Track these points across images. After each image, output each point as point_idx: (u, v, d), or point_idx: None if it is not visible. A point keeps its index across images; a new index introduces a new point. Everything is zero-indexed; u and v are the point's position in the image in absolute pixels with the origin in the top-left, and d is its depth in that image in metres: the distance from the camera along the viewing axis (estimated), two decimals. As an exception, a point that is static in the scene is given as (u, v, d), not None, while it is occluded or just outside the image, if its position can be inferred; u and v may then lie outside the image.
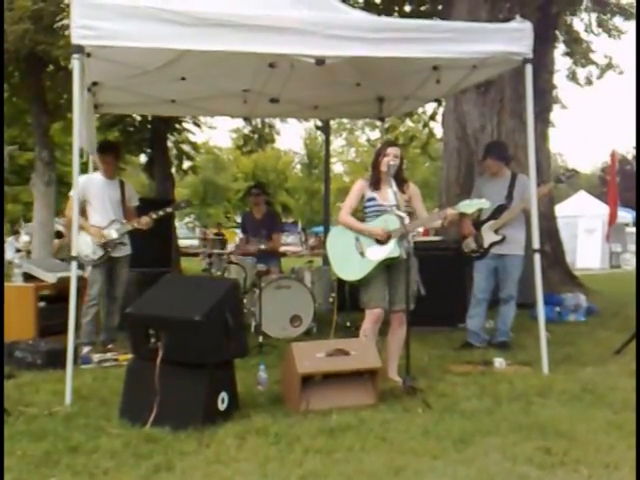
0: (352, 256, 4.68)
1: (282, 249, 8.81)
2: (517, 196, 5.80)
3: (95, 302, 5.79)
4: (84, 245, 5.74)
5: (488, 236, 5.89)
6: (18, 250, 14.63)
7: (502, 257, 5.87)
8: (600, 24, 13.70)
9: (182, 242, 21.20)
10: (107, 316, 5.99)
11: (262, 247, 7.16)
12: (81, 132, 4.56)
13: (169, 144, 17.01)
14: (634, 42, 10.43)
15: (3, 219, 5.42)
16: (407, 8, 13.00)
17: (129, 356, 4.32)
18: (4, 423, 3.56)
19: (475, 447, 3.28)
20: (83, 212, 5.87)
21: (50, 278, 6.35)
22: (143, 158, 18.81)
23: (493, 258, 5.91)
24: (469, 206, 4.94)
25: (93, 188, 5.88)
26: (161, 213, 5.92)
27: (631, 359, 5.30)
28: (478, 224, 5.92)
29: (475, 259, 6.01)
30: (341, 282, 6.23)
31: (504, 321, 5.94)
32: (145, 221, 5.87)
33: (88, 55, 4.41)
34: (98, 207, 5.87)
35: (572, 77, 14.68)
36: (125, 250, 5.97)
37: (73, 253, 4.44)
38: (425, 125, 16.55)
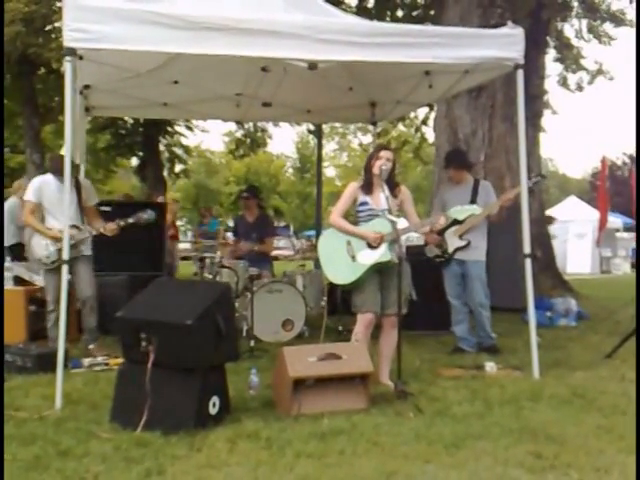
0: (343, 260, 4.67)
1: (274, 253, 8.80)
2: (480, 202, 5.79)
3: (52, 308, 5.58)
4: (38, 248, 5.58)
5: (452, 241, 5.90)
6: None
7: (464, 263, 5.90)
8: (590, 30, 13.80)
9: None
10: (83, 319, 5.79)
11: (255, 248, 7.17)
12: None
13: (161, 147, 17.02)
14: (634, 41, 10.48)
15: (3, 220, 5.34)
16: (399, 13, 13.07)
17: (120, 360, 4.31)
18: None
19: (466, 451, 3.28)
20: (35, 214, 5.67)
21: (41, 282, 6.32)
22: (135, 161, 18.81)
23: (458, 264, 5.93)
24: (461, 212, 4.96)
25: (47, 191, 5.65)
26: (130, 220, 5.66)
27: (621, 363, 5.33)
28: (442, 230, 5.86)
29: (440, 265, 6.02)
30: (333, 286, 6.24)
31: (482, 327, 5.94)
32: (110, 228, 5.62)
33: (80, 58, 4.40)
34: (53, 210, 5.62)
35: (563, 83, 14.78)
36: (82, 251, 5.67)
37: (65, 256, 4.42)
38: (417, 130, 16.61)
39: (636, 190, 8.16)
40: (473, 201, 5.80)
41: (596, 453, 3.22)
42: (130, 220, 5.66)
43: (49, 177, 5.75)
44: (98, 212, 5.86)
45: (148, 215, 5.67)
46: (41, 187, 5.67)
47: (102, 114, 8.81)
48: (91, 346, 5.71)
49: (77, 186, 5.61)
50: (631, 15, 13.08)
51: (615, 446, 3.32)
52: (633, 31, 12.84)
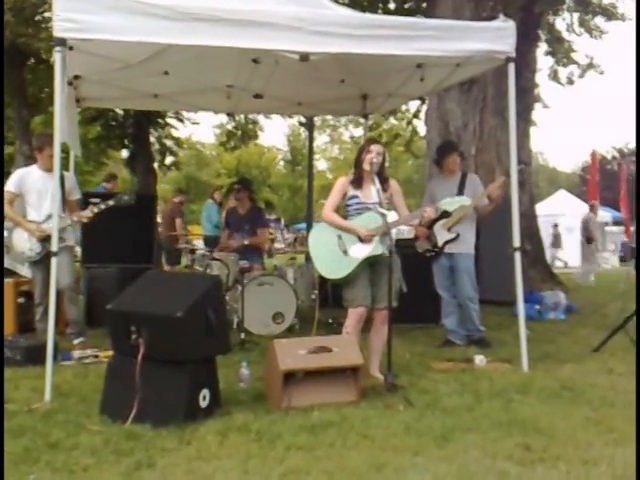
0: (335, 254, 4.66)
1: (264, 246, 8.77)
2: (468, 194, 5.81)
3: (39, 301, 5.57)
4: (21, 242, 5.53)
5: (441, 235, 5.92)
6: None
7: (452, 256, 5.93)
8: (582, 24, 13.85)
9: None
10: (65, 310, 5.70)
11: (245, 242, 7.14)
12: (63, 127, 4.51)
13: (152, 139, 16.92)
14: (634, 39, 10.54)
15: (3, 218, 5.26)
16: (391, 5, 13.06)
17: (110, 352, 4.29)
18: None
19: (456, 444, 3.30)
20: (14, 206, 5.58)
21: (30, 274, 6.29)
22: (125, 153, 18.69)
23: (446, 257, 5.96)
24: (451, 204, 4.98)
25: (29, 182, 5.57)
26: (102, 207, 5.47)
27: (609, 356, 5.37)
28: (431, 223, 5.85)
29: (431, 259, 6.04)
30: (323, 279, 6.24)
31: (470, 320, 5.97)
32: (86, 215, 5.49)
33: (70, 48, 4.36)
34: (34, 202, 5.55)
35: (554, 76, 14.82)
36: (65, 241, 5.51)
37: (53, 248, 4.39)
38: (409, 123, 16.62)
39: (636, 187, 8.21)
40: (460, 193, 5.83)
41: (584, 445, 3.24)
42: (110, 202, 5.48)
43: (32, 168, 5.71)
44: (78, 206, 5.79)
45: (128, 197, 5.54)
46: (23, 178, 5.61)
47: (92, 105, 8.73)
48: (76, 341, 5.64)
49: (61, 178, 5.45)
50: (622, 9, 13.17)
51: (603, 438, 3.34)
52: (624, 25, 12.90)
